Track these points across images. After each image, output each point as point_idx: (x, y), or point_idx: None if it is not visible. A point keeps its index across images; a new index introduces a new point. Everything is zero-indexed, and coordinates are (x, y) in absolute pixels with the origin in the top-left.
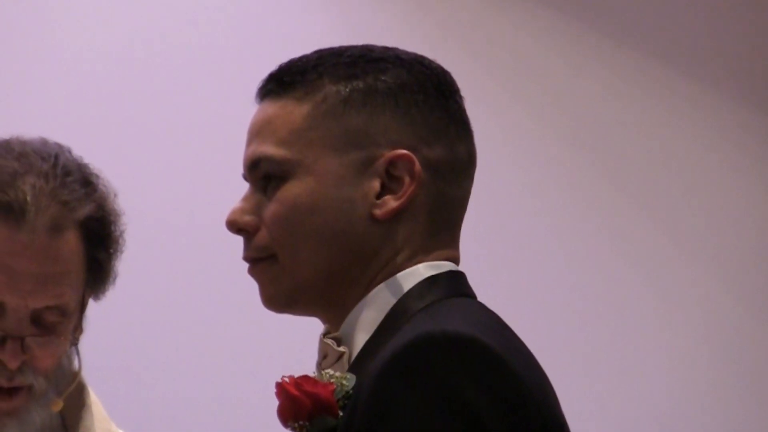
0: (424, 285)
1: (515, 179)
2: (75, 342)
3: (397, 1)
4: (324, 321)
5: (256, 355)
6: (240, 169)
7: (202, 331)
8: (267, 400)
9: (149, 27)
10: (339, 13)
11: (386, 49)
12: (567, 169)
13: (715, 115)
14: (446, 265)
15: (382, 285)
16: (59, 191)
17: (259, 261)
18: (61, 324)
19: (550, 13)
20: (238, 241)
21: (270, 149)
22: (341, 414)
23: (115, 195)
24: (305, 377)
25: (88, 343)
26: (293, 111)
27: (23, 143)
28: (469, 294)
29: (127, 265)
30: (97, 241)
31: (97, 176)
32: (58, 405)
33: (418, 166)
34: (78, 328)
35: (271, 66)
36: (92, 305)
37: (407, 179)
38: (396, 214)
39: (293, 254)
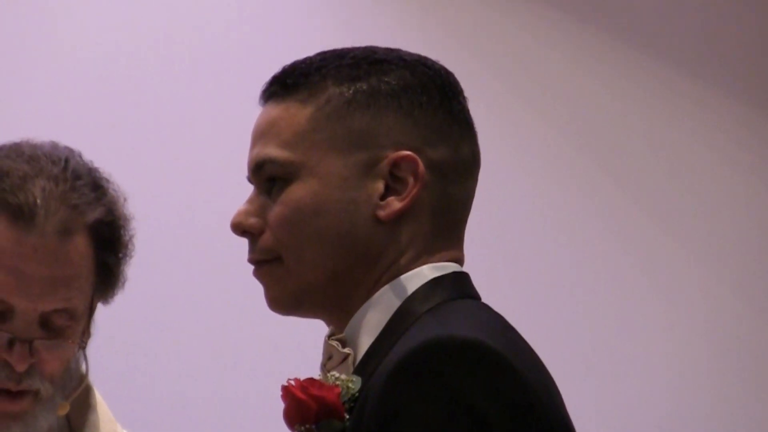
0: (428, 287)
1: (518, 179)
2: (83, 346)
3: (400, 3)
4: (329, 323)
5: (261, 357)
6: (245, 171)
7: (208, 332)
8: (272, 401)
9: (154, 31)
10: (342, 14)
11: (389, 50)
12: (570, 169)
13: (717, 113)
14: (450, 266)
15: (386, 287)
16: (69, 195)
17: (263, 263)
18: (69, 327)
19: (553, 14)
20: (243, 243)
21: (274, 151)
22: (348, 417)
23: (125, 199)
24: (311, 380)
25: (95, 343)
26: (297, 113)
27: (34, 146)
28: (474, 295)
29: (133, 267)
30: (106, 245)
31: (108, 180)
32: (65, 409)
33: (421, 167)
34: (86, 332)
35: (275, 68)
36: (100, 306)
37: (411, 180)
38: (400, 216)
39: (298, 256)
